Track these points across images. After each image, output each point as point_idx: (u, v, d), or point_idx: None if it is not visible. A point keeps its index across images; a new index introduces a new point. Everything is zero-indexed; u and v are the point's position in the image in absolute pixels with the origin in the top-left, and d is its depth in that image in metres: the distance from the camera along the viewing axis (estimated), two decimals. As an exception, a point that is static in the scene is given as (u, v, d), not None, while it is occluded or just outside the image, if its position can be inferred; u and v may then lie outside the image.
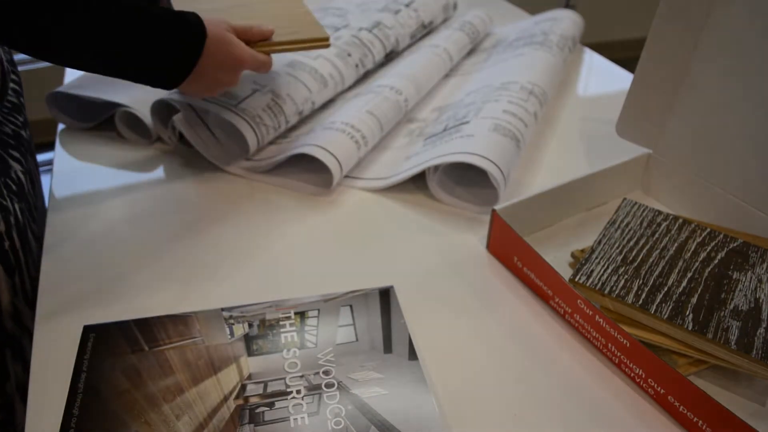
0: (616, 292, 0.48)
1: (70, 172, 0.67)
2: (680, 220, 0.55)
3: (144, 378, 0.44)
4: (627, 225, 0.55)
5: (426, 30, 0.94)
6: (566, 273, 0.56)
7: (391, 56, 0.87)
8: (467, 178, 0.66)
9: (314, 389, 0.43)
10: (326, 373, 0.45)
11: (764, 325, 0.45)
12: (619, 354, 0.46)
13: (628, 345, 0.45)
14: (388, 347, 0.47)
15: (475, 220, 0.62)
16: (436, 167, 0.64)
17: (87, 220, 0.60)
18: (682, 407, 0.43)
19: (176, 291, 0.53)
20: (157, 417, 0.41)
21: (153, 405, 0.42)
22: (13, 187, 0.59)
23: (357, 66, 0.79)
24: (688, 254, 0.51)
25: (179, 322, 0.48)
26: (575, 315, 0.49)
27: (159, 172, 0.67)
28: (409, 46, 0.91)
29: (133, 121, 0.72)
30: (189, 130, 0.67)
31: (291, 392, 0.43)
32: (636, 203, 0.57)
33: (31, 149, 0.71)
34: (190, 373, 0.44)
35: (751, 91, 0.54)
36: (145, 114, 0.69)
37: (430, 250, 0.58)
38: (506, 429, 0.43)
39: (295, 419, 0.41)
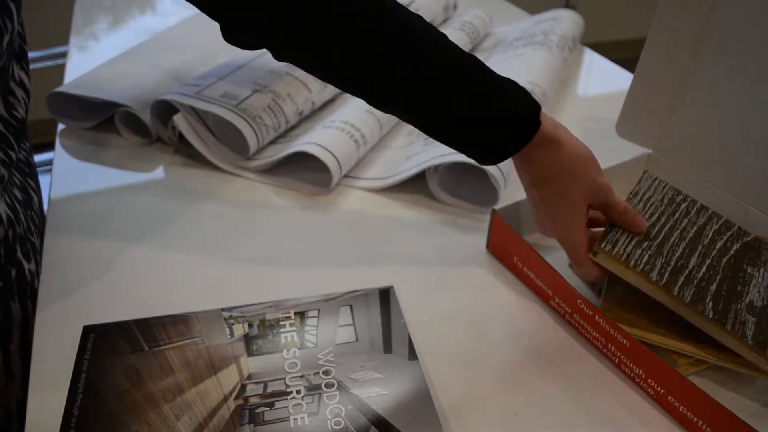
0: (641, 266, 0.46)
1: (70, 172, 0.67)
2: (698, 204, 0.54)
3: (144, 378, 0.44)
4: (649, 199, 0.53)
5: (426, 30, 0.94)
6: (566, 273, 0.56)
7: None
8: (467, 178, 0.66)
9: (314, 389, 0.43)
10: (326, 373, 0.45)
11: None
12: (619, 354, 0.46)
13: (628, 345, 0.45)
14: (388, 347, 0.47)
15: (475, 220, 0.62)
16: (436, 167, 0.64)
17: (87, 220, 0.60)
18: (682, 407, 0.43)
19: (176, 291, 0.53)
20: (157, 417, 0.41)
21: (153, 405, 0.42)
22: (36, 221, 0.59)
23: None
24: (707, 240, 0.51)
25: (179, 322, 0.48)
26: (575, 315, 0.49)
27: (159, 172, 0.67)
28: (409, 46, 0.91)
29: (133, 121, 0.72)
30: (189, 130, 0.67)
31: (291, 392, 0.43)
32: (657, 178, 0.56)
33: (37, 179, 0.70)
34: (190, 373, 0.44)
35: (751, 91, 0.54)
36: (145, 114, 0.69)
37: (430, 250, 0.58)
38: (506, 429, 0.43)
39: (295, 419, 0.41)
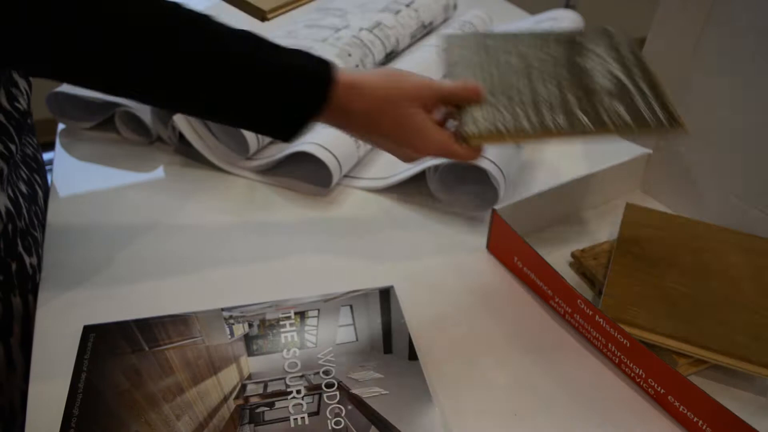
0: (511, 127, 0.46)
1: (70, 172, 0.67)
2: (498, 34, 0.55)
3: (144, 378, 0.44)
4: (467, 59, 0.53)
5: (426, 30, 0.94)
6: (566, 273, 0.56)
7: (391, 56, 0.87)
8: (467, 178, 0.66)
9: (314, 389, 0.43)
10: (326, 373, 0.45)
11: (636, 97, 0.47)
12: (619, 354, 0.46)
13: (628, 345, 0.45)
14: (388, 347, 0.47)
15: (475, 220, 0.62)
16: (436, 167, 0.64)
17: (87, 220, 0.60)
18: (682, 407, 0.43)
19: (176, 291, 0.53)
20: (157, 417, 0.41)
21: (153, 405, 0.42)
22: (40, 215, 0.59)
23: (357, 66, 0.79)
24: (535, 61, 0.51)
25: (179, 322, 0.48)
26: (575, 315, 0.49)
27: (159, 172, 0.67)
28: (409, 46, 0.91)
29: (133, 121, 0.72)
30: (189, 130, 0.67)
31: (291, 392, 0.43)
32: (454, 35, 0.57)
33: (44, 173, 0.70)
34: (190, 373, 0.44)
35: (751, 91, 0.54)
36: (145, 114, 0.69)
37: (430, 250, 0.58)
38: (506, 429, 0.43)
39: (295, 419, 0.41)
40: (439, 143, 0.49)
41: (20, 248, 0.53)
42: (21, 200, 0.55)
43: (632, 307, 0.48)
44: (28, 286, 0.53)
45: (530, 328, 0.51)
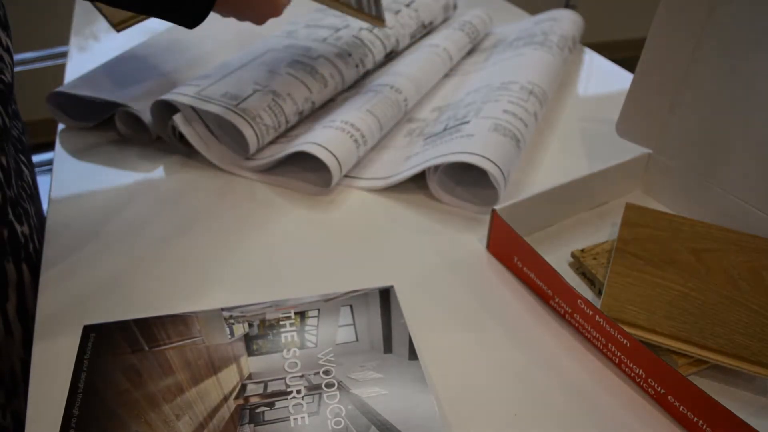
0: None
1: (70, 172, 0.67)
2: None
3: (144, 378, 0.44)
4: None
5: (426, 30, 0.94)
6: (566, 273, 0.56)
7: (391, 56, 0.87)
8: (467, 178, 0.66)
9: (314, 389, 0.44)
10: (326, 373, 0.45)
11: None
12: (619, 354, 0.47)
13: (628, 345, 0.45)
14: (388, 347, 0.47)
15: (475, 220, 0.62)
16: (436, 167, 0.64)
17: (86, 220, 0.60)
18: (682, 407, 0.43)
19: (176, 291, 0.53)
20: (157, 417, 0.41)
21: (153, 405, 0.42)
22: (28, 190, 0.60)
23: (357, 66, 0.79)
24: None
25: (179, 322, 0.48)
26: (575, 315, 0.50)
27: (159, 172, 0.67)
28: (409, 45, 0.91)
29: (133, 120, 0.72)
30: (189, 129, 0.67)
31: (291, 392, 0.43)
32: None
33: (30, 156, 0.71)
34: (190, 373, 0.44)
35: (751, 91, 0.54)
36: (145, 114, 0.69)
37: (430, 250, 0.58)
38: (506, 429, 0.43)
39: (295, 419, 0.41)
40: None
41: (11, 216, 0.53)
42: (11, 170, 0.56)
43: (632, 307, 0.48)
44: (21, 254, 0.53)
45: (530, 328, 0.51)
